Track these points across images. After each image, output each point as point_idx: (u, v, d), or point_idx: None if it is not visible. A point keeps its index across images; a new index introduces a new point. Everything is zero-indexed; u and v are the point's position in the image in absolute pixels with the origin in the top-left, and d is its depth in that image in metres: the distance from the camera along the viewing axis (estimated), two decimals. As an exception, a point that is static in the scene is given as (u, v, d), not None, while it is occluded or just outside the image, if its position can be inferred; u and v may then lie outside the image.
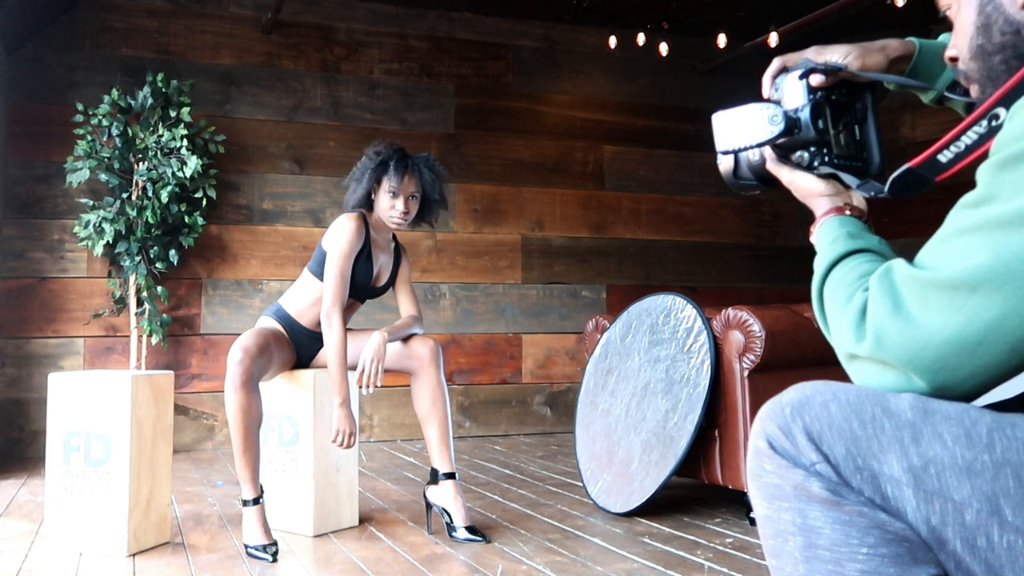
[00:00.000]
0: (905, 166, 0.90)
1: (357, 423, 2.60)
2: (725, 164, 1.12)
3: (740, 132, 1.03)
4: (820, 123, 1.01)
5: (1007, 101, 0.82)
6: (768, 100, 1.07)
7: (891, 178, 0.93)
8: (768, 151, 1.06)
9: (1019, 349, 0.76)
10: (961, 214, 0.80)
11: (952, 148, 0.86)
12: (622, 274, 5.54)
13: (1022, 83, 0.82)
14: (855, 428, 0.81)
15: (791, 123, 1.01)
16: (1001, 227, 0.75)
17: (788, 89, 1.04)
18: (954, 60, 0.98)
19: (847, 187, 1.02)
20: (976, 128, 0.84)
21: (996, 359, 0.77)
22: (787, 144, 1.04)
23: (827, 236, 0.98)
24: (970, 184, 0.81)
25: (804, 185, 1.03)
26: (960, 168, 0.87)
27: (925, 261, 0.81)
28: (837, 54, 1.07)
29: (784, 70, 1.07)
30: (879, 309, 0.82)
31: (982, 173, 0.78)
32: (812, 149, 1.02)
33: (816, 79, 1.01)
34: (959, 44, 0.96)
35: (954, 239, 0.79)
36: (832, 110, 1.02)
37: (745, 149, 1.04)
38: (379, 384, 2.54)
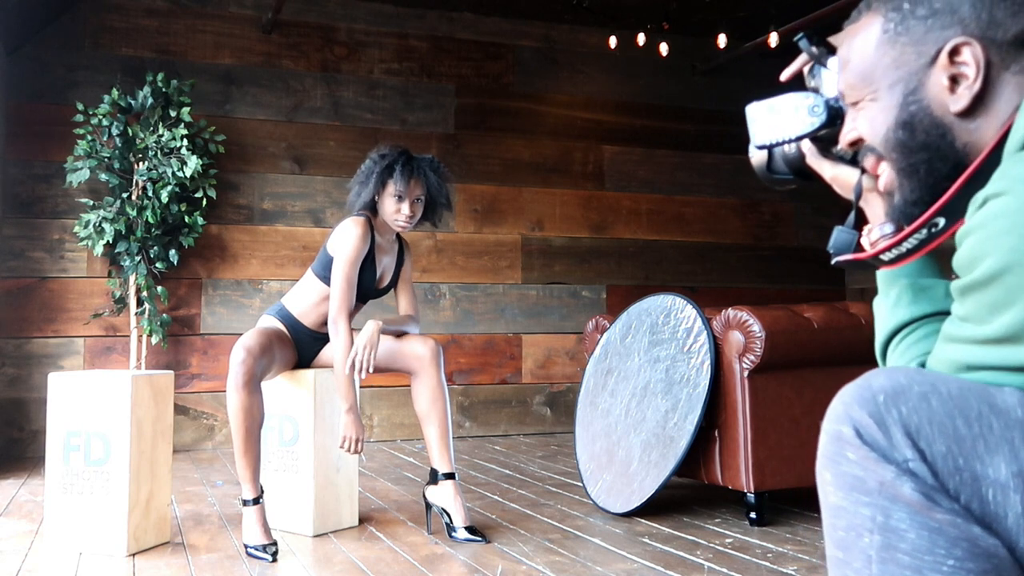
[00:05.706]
0: (851, 256, 0.93)
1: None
2: (758, 157, 1.05)
3: (778, 124, 0.97)
4: None
5: (946, 211, 0.82)
6: (806, 89, 1.01)
7: (835, 260, 0.95)
8: (808, 145, 1.01)
9: None
10: (951, 325, 0.83)
11: (894, 251, 0.88)
12: (622, 274, 5.53)
13: (960, 193, 0.81)
14: (959, 426, 0.75)
15: (834, 113, 0.96)
16: (977, 344, 0.79)
17: (828, 78, 0.98)
18: (856, 143, 0.94)
19: None
20: (917, 235, 0.85)
21: None
22: (828, 136, 0.98)
23: (890, 294, 0.97)
24: None
25: (850, 181, 0.98)
26: (906, 263, 0.90)
27: (932, 363, 0.86)
28: None
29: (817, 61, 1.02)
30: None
31: (954, 290, 0.81)
32: None
33: None
34: (868, 132, 0.92)
35: (944, 349, 0.84)
36: None
37: (784, 143, 0.98)
38: (371, 370, 2.53)
